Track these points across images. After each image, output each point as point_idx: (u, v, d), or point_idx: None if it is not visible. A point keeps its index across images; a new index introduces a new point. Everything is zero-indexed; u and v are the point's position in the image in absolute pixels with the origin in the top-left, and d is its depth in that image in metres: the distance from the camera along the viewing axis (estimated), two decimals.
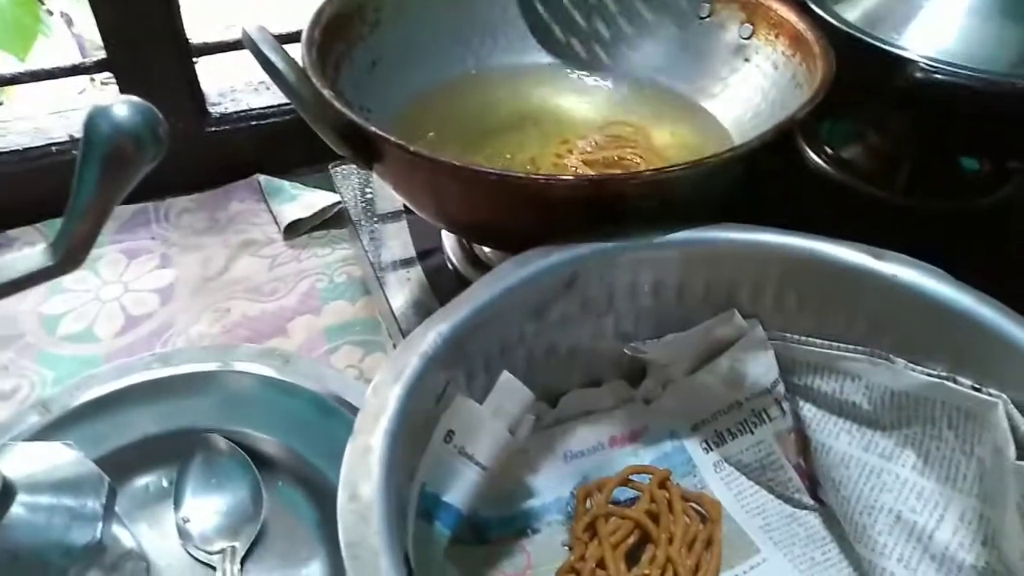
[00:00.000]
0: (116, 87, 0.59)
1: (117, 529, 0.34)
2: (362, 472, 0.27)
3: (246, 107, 0.62)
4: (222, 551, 0.37)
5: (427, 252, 0.52)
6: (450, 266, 0.51)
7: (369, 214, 0.55)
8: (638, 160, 0.46)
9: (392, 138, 0.36)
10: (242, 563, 0.37)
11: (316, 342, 0.51)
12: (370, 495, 0.27)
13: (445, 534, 0.34)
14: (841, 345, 0.38)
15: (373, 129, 0.37)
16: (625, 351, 0.41)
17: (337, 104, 0.38)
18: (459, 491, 0.34)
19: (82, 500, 0.30)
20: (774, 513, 0.40)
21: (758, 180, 0.49)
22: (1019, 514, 0.29)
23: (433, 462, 0.33)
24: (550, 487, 0.40)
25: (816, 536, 0.39)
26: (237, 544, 0.38)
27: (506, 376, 0.35)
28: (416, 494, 0.32)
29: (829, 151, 0.55)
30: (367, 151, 0.40)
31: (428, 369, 0.31)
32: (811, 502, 0.40)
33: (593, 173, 0.45)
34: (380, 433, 0.29)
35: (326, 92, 0.39)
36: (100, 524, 0.30)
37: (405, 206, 0.55)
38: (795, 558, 0.38)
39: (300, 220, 0.59)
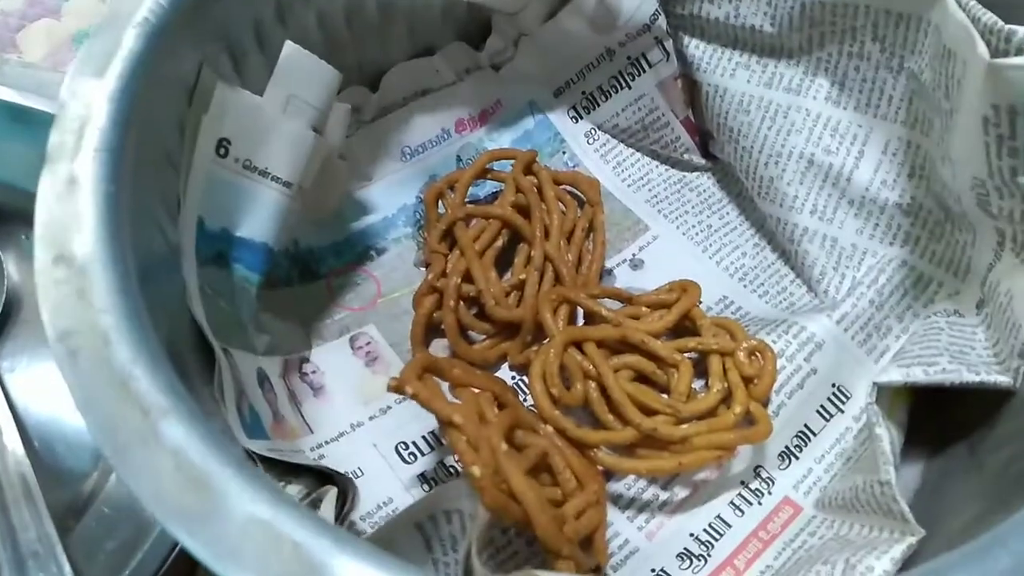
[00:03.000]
0: None
1: None
2: (69, 219, 0.17)
3: None
4: None
5: None
6: None
7: None
8: None
9: None
10: None
11: (62, 55, 0.39)
12: (87, 253, 0.17)
13: (253, 279, 0.25)
14: None
15: None
16: None
17: None
18: (259, 220, 0.25)
19: None
20: (660, 182, 0.34)
21: None
22: (983, 128, 0.23)
23: (208, 187, 0.23)
24: (390, 195, 0.32)
25: (711, 200, 0.33)
26: None
27: (291, 48, 0.24)
28: (191, 235, 0.22)
29: None
30: None
31: (157, 47, 0.20)
32: (703, 162, 0.34)
33: None
34: (89, 155, 0.18)
35: None
36: None
37: None
38: (689, 229, 0.32)
39: None
